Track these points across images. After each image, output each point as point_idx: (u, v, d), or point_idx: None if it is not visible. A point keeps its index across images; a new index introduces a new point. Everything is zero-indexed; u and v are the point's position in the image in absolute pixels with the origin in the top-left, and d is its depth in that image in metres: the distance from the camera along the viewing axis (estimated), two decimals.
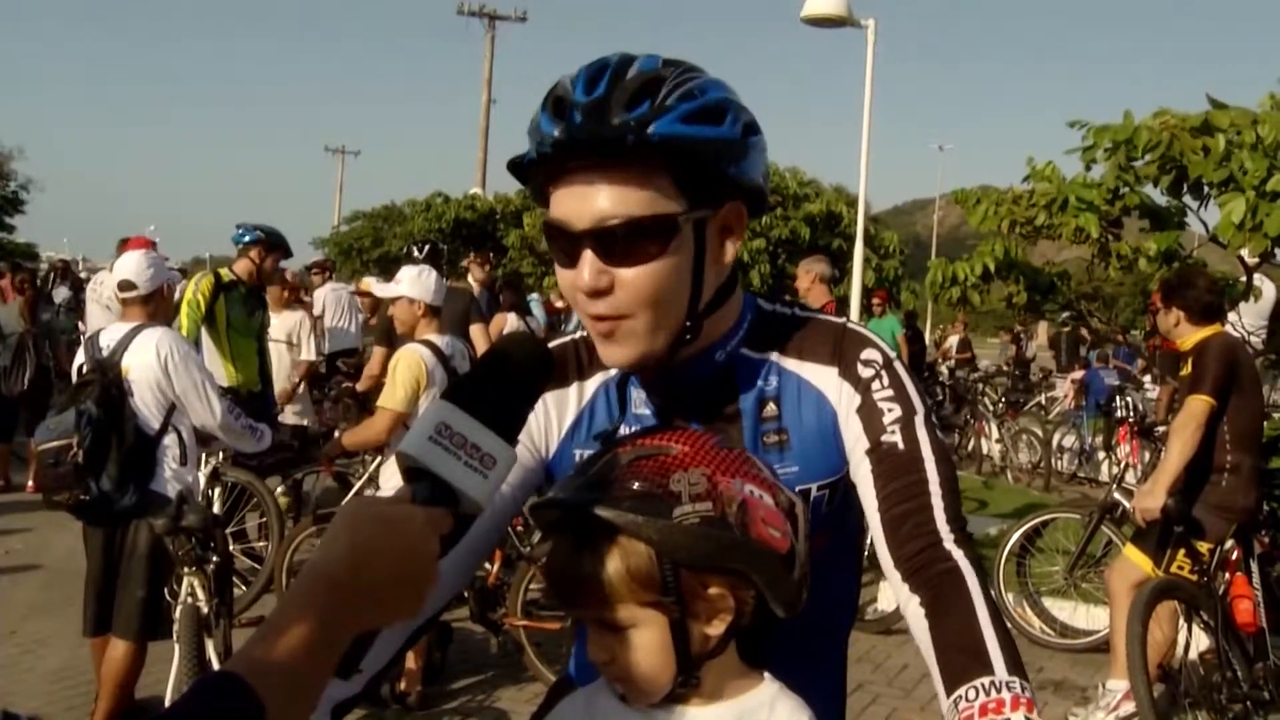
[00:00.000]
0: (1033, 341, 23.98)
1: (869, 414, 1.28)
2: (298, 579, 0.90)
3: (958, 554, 1.21)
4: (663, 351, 1.23)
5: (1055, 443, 11.86)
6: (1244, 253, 5.79)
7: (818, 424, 1.31)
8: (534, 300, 12.36)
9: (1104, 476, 10.79)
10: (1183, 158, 5.55)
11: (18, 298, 9.73)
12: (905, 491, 1.24)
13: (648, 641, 1.09)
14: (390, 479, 4.58)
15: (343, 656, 0.89)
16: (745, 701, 1.14)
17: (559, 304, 14.28)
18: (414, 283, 4.64)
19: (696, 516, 1.06)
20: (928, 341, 21.14)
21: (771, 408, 1.31)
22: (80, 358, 4.09)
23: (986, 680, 1.08)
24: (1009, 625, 1.22)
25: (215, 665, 3.71)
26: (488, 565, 4.97)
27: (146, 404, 3.93)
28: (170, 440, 3.98)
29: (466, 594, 4.82)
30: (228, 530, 5.02)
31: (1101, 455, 11.42)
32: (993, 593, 1.21)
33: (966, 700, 1.08)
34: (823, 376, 1.32)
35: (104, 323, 6.01)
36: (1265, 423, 4.84)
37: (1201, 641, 4.43)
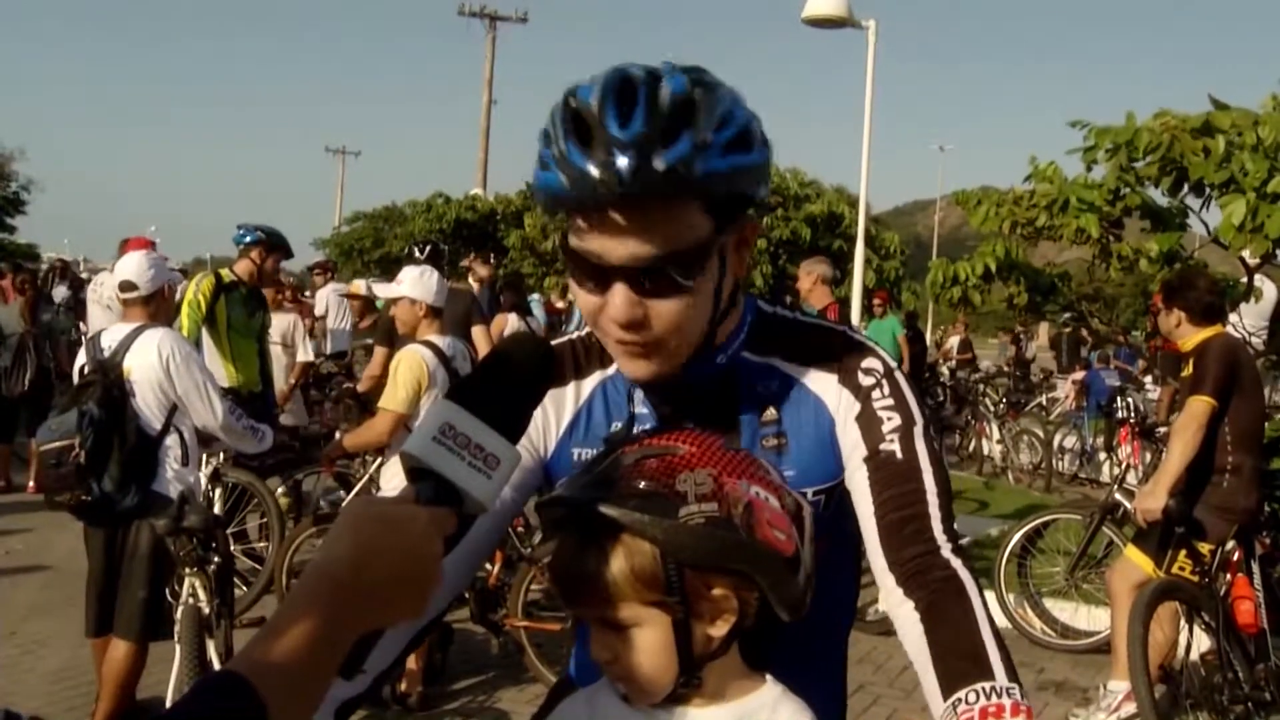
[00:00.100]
0: (1033, 342, 23.98)
1: (868, 422, 1.29)
2: (301, 579, 0.90)
3: (956, 563, 1.22)
4: (682, 364, 1.24)
5: (1056, 443, 11.86)
6: (1245, 254, 5.79)
7: (816, 429, 1.31)
8: (535, 301, 12.37)
9: (1105, 477, 10.80)
10: (1183, 159, 5.56)
11: (18, 298, 9.73)
12: (902, 499, 1.25)
13: (651, 641, 1.09)
14: (391, 479, 4.59)
15: (346, 657, 0.89)
16: (747, 703, 1.14)
17: (559, 304, 14.30)
18: (416, 283, 4.64)
19: (702, 517, 1.06)
20: (929, 342, 21.14)
21: (770, 411, 1.31)
22: (82, 358, 4.09)
23: (987, 685, 1.09)
24: (1005, 625, 1.23)
25: (216, 666, 3.71)
26: (488, 566, 4.97)
27: (148, 405, 3.93)
28: (172, 441, 3.98)
29: (467, 595, 4.81)
30: (229, 531, 5.02)
31: (1102, 456, 11.42)
32: (987, 594, 1.21)
33: (966, 703, 1.08)
34: (822, 382, 1.32)
35: (105, 323, 6.01)
36: (1266, 423, 4.84)
37: (1203, 642, 4.43)
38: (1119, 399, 9.71)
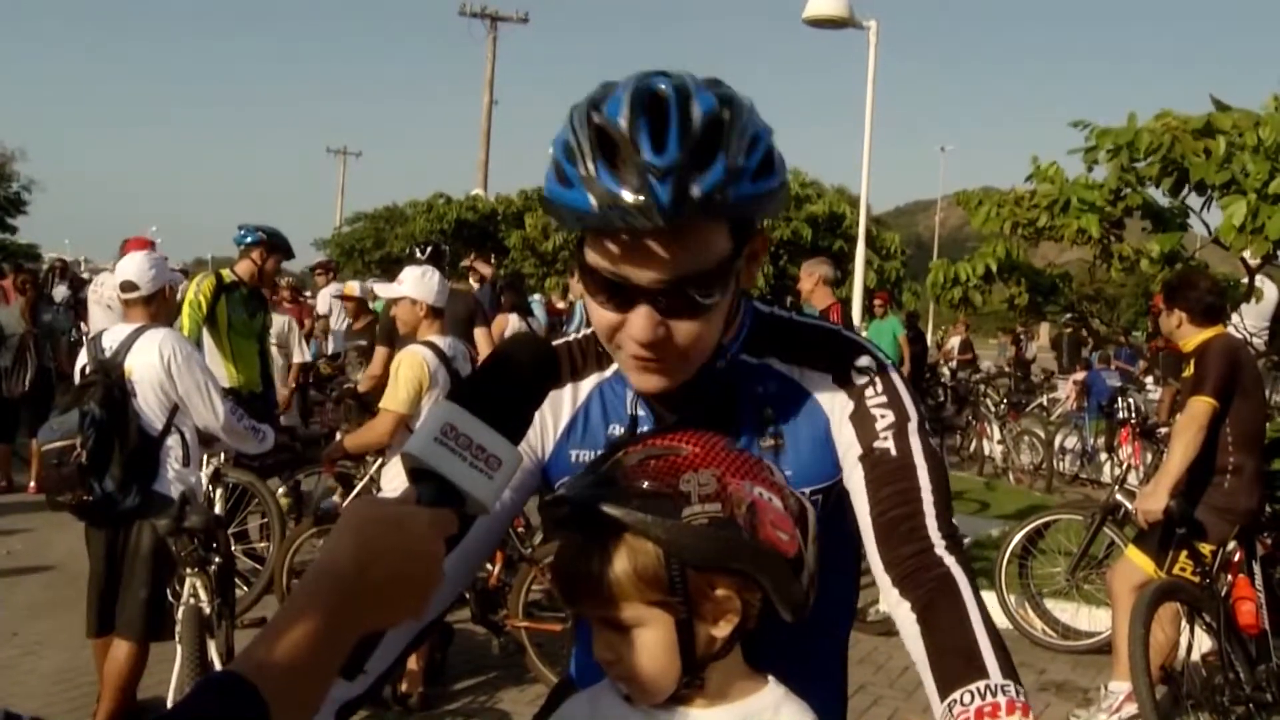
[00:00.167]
0: (1033, 343, 23.98)
1: (862, 420, 1.29)
2: (303, 579, 0.90)
3: (949, 560, 1.21)
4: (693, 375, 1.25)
5: (1057, 444, 11.85)
6: (1246, 254, 5.79)
7: (812, 429, 1.31)
8: (536, 302, 12.38)
9: (1106, 478, 10.79)
10: (1184, 160, 5.56)
11: (19, 299, 9.73)
12: (898, 497, 1.25)
13: (653, 641, 1.09)
14: (392, 480, 4.58)
15: (348, 658, 0.89)
16: (750, 704, 1.14)
17: (560, 305, 14.30)
18: (417, 283, 4.64)
19: (705, 517, 1.06)
20: (930, 343, 21.14)
21: (768, 412, 1.32)
22: (83, 358, 4.09)
23: (981, 684, 1.08)
24: (1006, 625, 1.22)
25: (218, 666, 3.72)
26: (489, 566, 4.97)
27: (149, 405, 3.94)
28: (173, 441, 3.98)
29: (468, 595, 4.81)
30: (229, 531, 5.02)
31: (1103, 456, 11.41)
32: (988, 594, 1.21)
33: (962, 704, 1.08)
34: (817, 382, 1.32)
35: (105, 323, 6.01)
36: (1268, 424, 4.84)
37: (1204, 643, 4.43)
38: (1120, 399, 9.70)
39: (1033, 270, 6.74)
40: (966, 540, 1.49)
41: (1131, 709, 4.31)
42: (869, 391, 1.30)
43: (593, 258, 1.17)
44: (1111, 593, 4.66)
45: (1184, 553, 4.35)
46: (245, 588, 5.51)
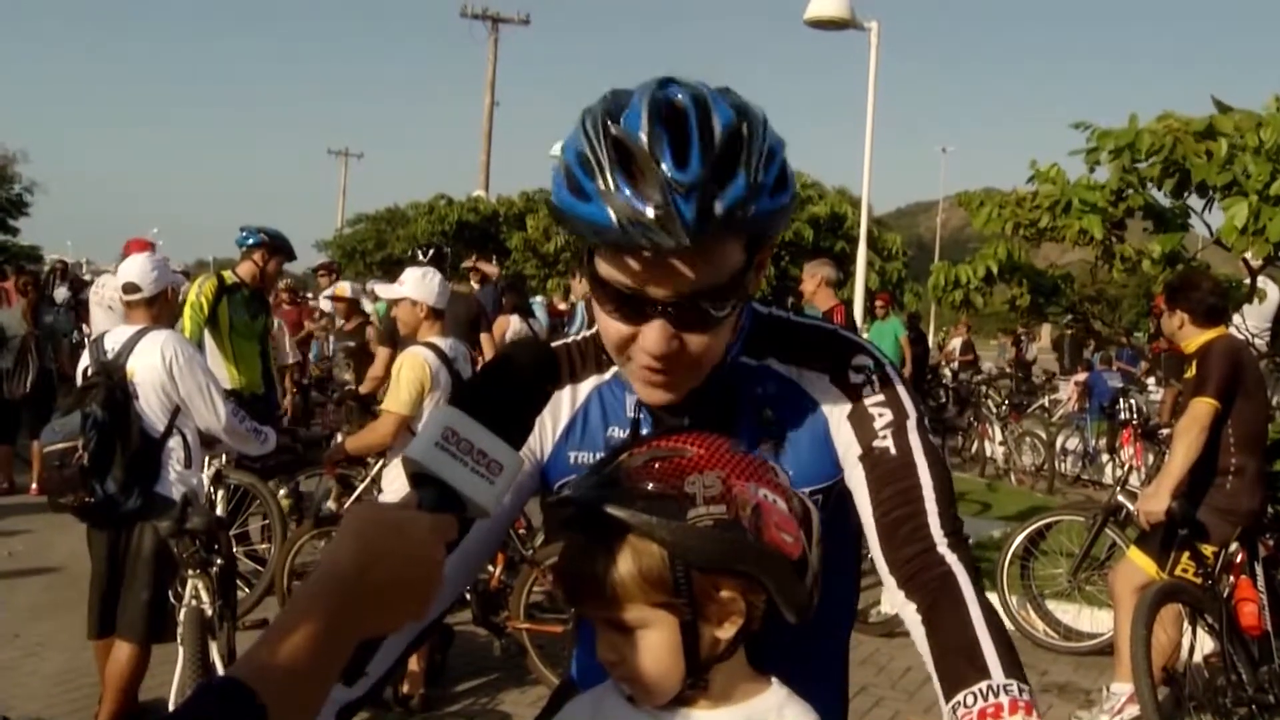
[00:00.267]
0: (1034, 344, 23.97)
1: (860, 420, 1.29)
2: (304, 583, 0.90)
3: (951, 558, 1.21)
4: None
5: (1059, 445, 11.84)
6: (1247, 255, 5.79)
7: (810, 429, 1.31)
8: (537, 303, 12.38)
9: (1108, 479, 10.78)
10: (1185, 161, 5.55)
11: (21, 300, 9.74)
12: (899, 498, 1.25)
13: (657, 643, 1.09)
14: (393, 481, 4.59)
15: (348, 663, 0.89)
16: (753, 705, 1.15)
17: (562, 306, 14.31)
18: (417, 285, 4.64)
19: (710, 519, 1.06)
20: (931, 344, 21.14)
21: (766, 413, 1.31)
22: (85, 360, 4.09)
23: (984, 685, 1.08)
24: (1009, 626, 1.21)
25: (219, 668, 3.72)
26: (490, 568, 4.97)
27: (151, 407, 3.94)
28: (175, 443, 3.98)
29: (469, 597, 4.82)
30: (231, 532, 5.02)
31: (1105, 458, 11.40)
32: (990, 595, 1.21)
33: (965, 706, 1.08)
34: (816, 382, 1.32)
35: (107, 324, 6.02)
36: (1270, 425, 4.83)
37: (1206, 645, 4.43)
38: (1122, 401, 9.72)
39: (1034, 271, 6.73)
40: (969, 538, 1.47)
41: (1133, 710, 4.30)
42: (867, 391, 1.30)
43: (606, 271, 1.16)
44: (1113, 594, 4.66)
45: (1186, 554, 4.35)
46: (247, 589, 5.51)
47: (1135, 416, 7.67)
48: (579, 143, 1.13)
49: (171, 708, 3.76)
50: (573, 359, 1.40)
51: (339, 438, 6.27)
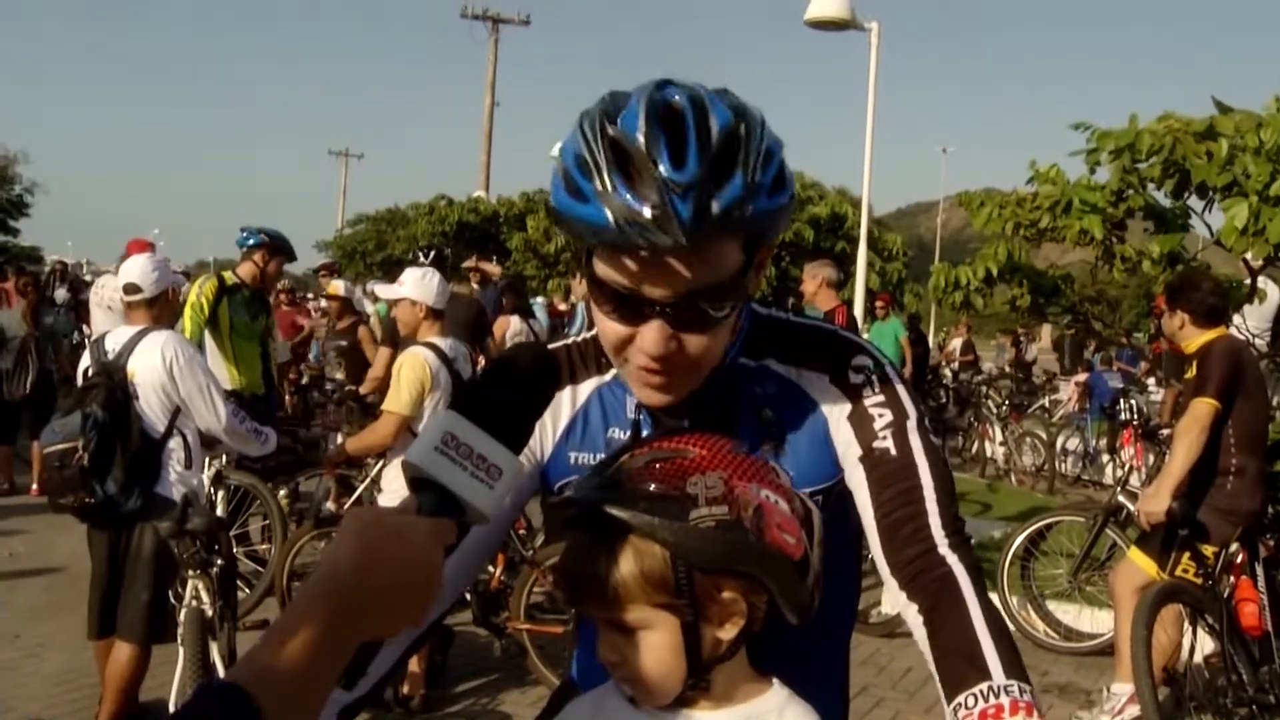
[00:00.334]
0: (1033, 344, 23.98)
1: (860, 420, 1.29)
2: (303, 587, 0.90)
3: (952, 559, 1.21)
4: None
5: (1059, 445, 11.84)
6: (1248, 255, 5.79)
7: (810, 430, 1.31)
8: (538, 304, 12.39)
9: (1108, 479, 10.78)
10: (1185, 162, 5.55)
11: (20, 301, 9.74)
12: (899, 498, 1.24)
13: (659, 643, 1.09)
14: (393, 482, 4.59)
15: (348, 667, 0.89)
16: (754, 706, 1.14)
17: (562, 306, 14.31)
18: (417, 285, 4.64)
19: (712, 520, 1.06)
20: (931, 344, 21.14)
21: (766, 414, 1.31)
22: (86, 361, 4.09)
23: (984, 686, 1.08)
24: (1010, 627, 1.21)
25: (220, 668, 3.72)
26: (491, 569, 4.97)
27: (152, 407, 3.94)
28: (175, 443, 3.98)
29: (469, 597, 4.82)
30: (231, 533, 5.02)
31: (1105, 458, 11.40)
32: (991, 595, 1.20)
33: (966, 708, 1.08)
34: (815, 383, 1.32)
35: (106, 325, 6.02)
36: (1270, 425, 4.83)
37: (1206, 645, 4.43)
38: (1122, 401, 9.72)
39: (1035, 271, 6.73)
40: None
41: (1134, 711, 4.30)
42: (866, 391, 1.30)
43: (604, 271, 1.16)
44: (1114, 594, 4.66)
45: (1186, 554, 4.35)
46: (247, 590, 5.51)
47: (1135, 417, 7.67)
48: (576, 144, 1.13)
49: (172, 708, 3.77)
50: (573, 360, 1.40)
51: (339, 438, 6.28)
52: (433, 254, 7.13)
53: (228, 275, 6.27)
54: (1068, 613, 5.82)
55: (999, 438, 12.24)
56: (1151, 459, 9.05)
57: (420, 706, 4.51)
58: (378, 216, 38.10)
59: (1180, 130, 5.59)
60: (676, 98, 1.12)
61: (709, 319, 1.16)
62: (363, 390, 6.78)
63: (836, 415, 1.30)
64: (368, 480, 5.49)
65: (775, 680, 1.17)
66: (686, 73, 1.18)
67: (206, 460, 4.64)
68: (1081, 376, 14.61)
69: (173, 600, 3.84)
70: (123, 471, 3.81)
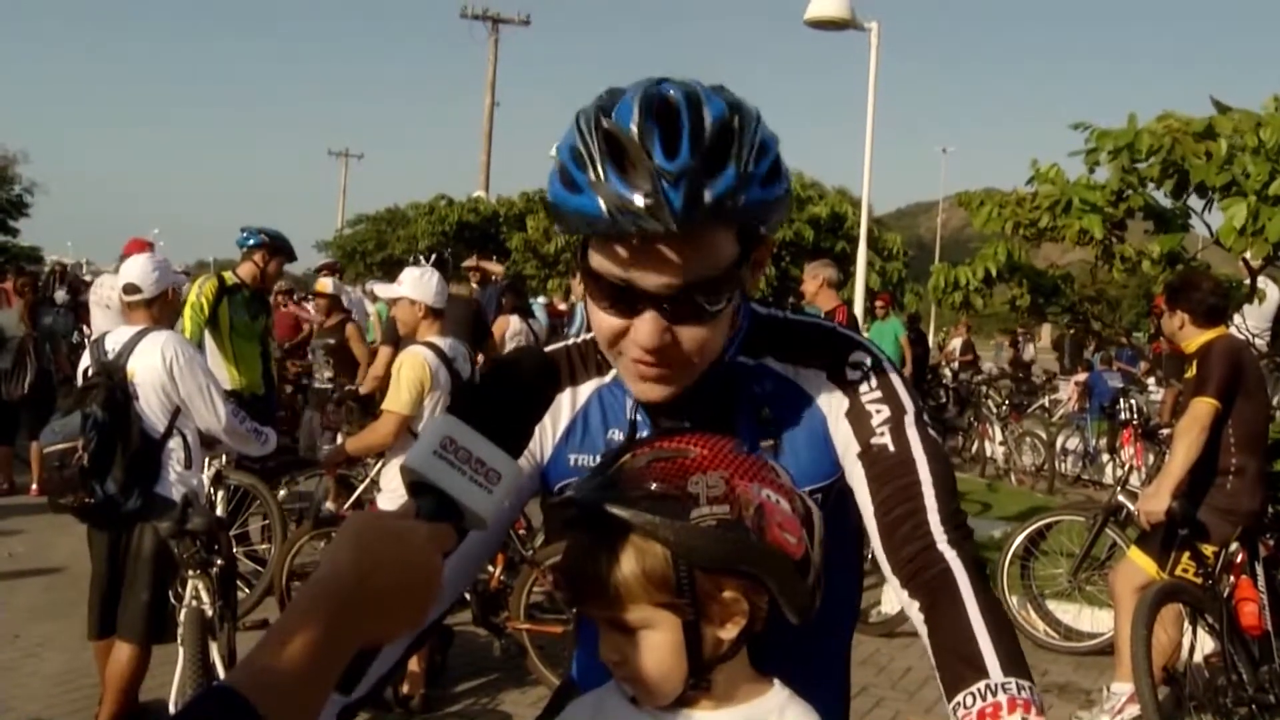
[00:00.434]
0: (1032, 344, 23.98)
1: (857, 417, 1.29)
2: (301, 590, 0.90)
3: (950, 555, 1.20)
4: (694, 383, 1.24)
5: (1059, 445, 11.84)
6: (1247, 255, 5.79)
7: (809, 428, 1.31)
8: (537, 304, 12.39)
9: (1108, 479, 10.78)
10: (1185, 162, 5.55)
11: (19, 302, 9.74)
12: (899, 495, 1.24)
13: (660, 643, 1.09)
14: (392, 482, 4.58)
15: (346, 671, 0.89)
16: (755, 706, 1.14)
17: (562, 306, 14.32)
18: (415, 284, 4.64)
19: (713, 519, 1.06)
20: (931, 344, 21.14)
21: (765, 412, 1.31)
22: (86, 361, 4.09)
23: (982, 685, 1.08)
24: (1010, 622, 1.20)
25: (220, 669, 3.72)
26: (490, 569, 4.97)
27: (152, 407, 3.94)
28: (175, 443, 3.98)
29: (469, 597, 4.82)
30: (231, 533, 5.02)
31: (1105, 458, 11.40)
32: (991, 589, 1.19)
33: (965, 708, 1.07)
34: (813, 380, 1.32)
35: (106, 324, 6.02)
36: (1270, 425, 4.83)
37: (1206, 645, 4.43)
38: (1122, 401, 9.71)
39: (1035, 271, 6.73)
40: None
41: (1134, 710, 4.30)
42: (864, 388, 1.30)
43: (599, 262, 1.16)
44: (1114, 594, 4.66)
45: (1186, 554, 4.35)
46: (247, 590, 5.51)
47: (1135, 416, 7.66)
48: (573, 139, 1.14)
49: (172, 708, 3.77)
50: (572, 362, 1.40)
51: (339, 438, 6.28)
52: (434, 259, 7.14)
53: (228, 275, 6.27)
54: (1067, 612, 5.82)
55: (999, 437, 12.24)
56: (1151, 459, 9.05)
57: (420, 706, 4.51)
58: (378, 216, 38.10)
59: (1179, 130, 5.59)
60: (671, 92, 1.13)
61: (704, 312, 1.16)
62: (363, 390, 6.78)
63: (835, 412, 1.30)
64: (367, 480, 5.49)
65: (776, 680, 1.17)
66: (686, 72, 1.19)
67: (206, 460, 4.64)
68: (1081, 376, 14.62)
69: (173, 600, 3.84)
70: (123, 471, 3.81)
